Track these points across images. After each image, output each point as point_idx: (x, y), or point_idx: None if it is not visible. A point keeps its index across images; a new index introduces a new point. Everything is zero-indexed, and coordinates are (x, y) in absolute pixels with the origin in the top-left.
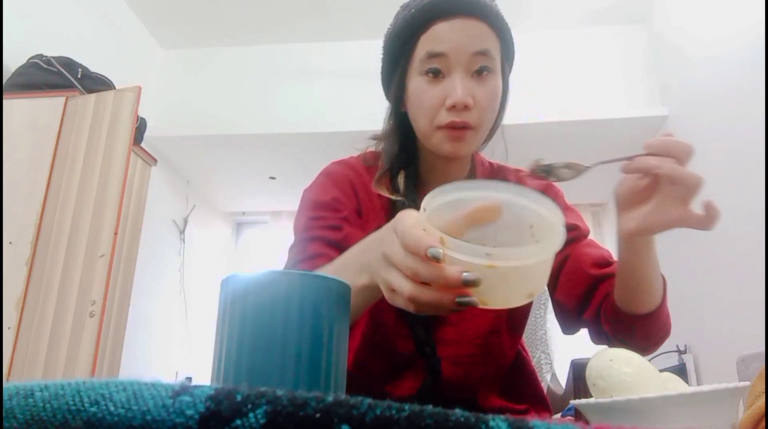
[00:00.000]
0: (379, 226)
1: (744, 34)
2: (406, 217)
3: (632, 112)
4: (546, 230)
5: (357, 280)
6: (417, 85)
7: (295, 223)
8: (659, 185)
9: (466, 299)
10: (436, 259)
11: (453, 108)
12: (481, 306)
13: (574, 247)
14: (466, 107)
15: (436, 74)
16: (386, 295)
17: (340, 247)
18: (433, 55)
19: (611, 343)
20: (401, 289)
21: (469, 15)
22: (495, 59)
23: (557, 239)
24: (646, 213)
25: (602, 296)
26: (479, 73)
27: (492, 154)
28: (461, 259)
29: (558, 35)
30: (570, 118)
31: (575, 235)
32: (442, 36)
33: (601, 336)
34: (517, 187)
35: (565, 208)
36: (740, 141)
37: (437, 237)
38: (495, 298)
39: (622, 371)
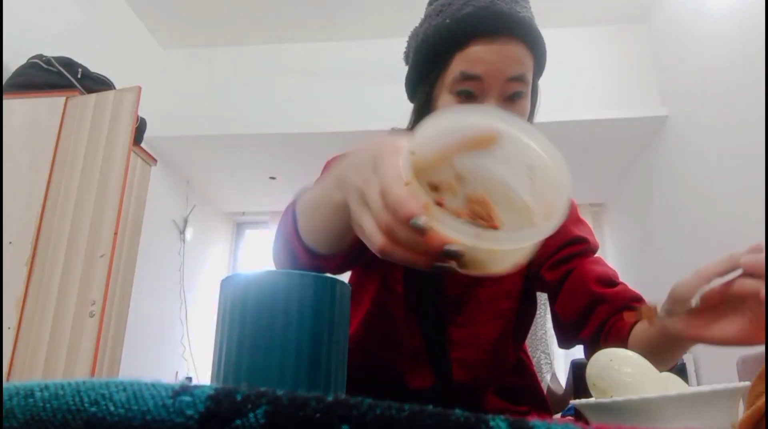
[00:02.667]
0: None
1: (744, 34)
2: (388, 161)
3: (632, 112)
4: (547, 178)
5: (333, 195)
6: (447, 103)
7: None
8: (745, 303)
9: (444, 265)
10: (419, 231)
11: None
12: (460, 271)
13: (580, 261)
14: None
15: (469, 96)
16: (355, 229)
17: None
18: (467, 77)
19: None
20: (372, 238)
21: (511, 36)
22: (529, 83)
23: (560, 207)
24: (731, 326)
25: (603, 317)
26: (512, 98)
27: None
28: (446, 232)
29: (558, 35)
30: (570, 118)
31: (583, 248)
32: (479, 58)
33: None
34: (520, 121)
35: (576, 221)
36: (740, 141)
37: (423, 202)
38: (476, 268)
39: (622, 371)
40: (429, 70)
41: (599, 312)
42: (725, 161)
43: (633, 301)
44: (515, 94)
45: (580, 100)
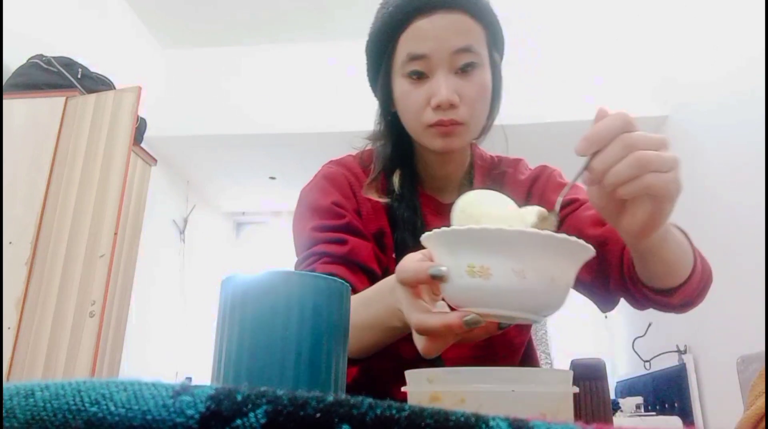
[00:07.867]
0: (379, 229)
1: (744, 34)
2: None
3: (632, 112)
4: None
5: (390, 321)
6: (401, 86)
7: (295, 227)
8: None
9: (470, 318)
10: (440, 278)
11: (438, 107)
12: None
13: (571, 217)
14: (452, 106)
15: (420, 76)
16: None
17: (347, 261)
18: (414, 57)
19: (655, 307)
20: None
21: (450, 8)
22: (480, 53)
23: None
24: (635, 217)
25: (616, 257)
26: (464, 70)
27: (492, 149)
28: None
29: (557, 35)
30: (570, 118)
31: (574, 207)
32: (422, 35)
33: (639, 301)
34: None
35: (559, 187)
36: (740, 141)
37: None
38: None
39: (500, 204)
40: (381, 60)
41: (610, 255)
42: (725, 161)
43: None
44: (466, 66)
45: (580, 100)
